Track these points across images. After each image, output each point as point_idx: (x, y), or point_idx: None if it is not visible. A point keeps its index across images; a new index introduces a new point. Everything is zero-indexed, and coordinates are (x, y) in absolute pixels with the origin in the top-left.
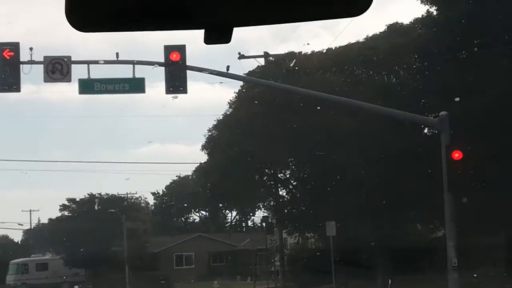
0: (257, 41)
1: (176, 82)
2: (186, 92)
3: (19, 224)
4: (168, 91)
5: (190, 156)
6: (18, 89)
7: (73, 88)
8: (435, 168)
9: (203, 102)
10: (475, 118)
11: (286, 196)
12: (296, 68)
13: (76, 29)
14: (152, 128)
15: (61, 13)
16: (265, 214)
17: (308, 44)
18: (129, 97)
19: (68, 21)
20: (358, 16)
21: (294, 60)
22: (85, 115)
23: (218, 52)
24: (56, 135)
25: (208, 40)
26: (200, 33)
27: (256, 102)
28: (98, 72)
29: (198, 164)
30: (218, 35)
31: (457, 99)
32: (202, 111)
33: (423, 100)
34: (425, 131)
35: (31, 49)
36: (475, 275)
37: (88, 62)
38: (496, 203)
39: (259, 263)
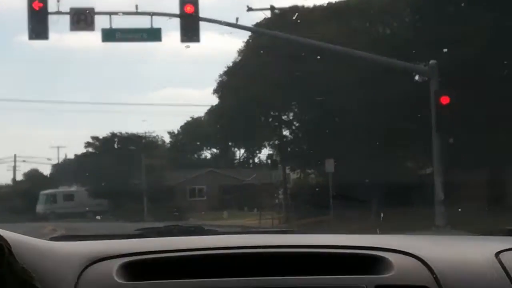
0: None
1: (189, 31)
2: (199, 41)
3: (48, 159)
4: (183, 40)
5: (202, 99)
6: (46, 37)
7: (95, 37)
8: (425, 112)
9: (213, 50)
10: (462, 67)
11: (289, 136)
12: (300, 21)
13: None
14: (167, 74)
15: None
16: (270, 152)
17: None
18: (144, 46)
19: None
20: None
21: (297, 14)
22: (106, 62)
23: (227, 5)
24: (80, 79)
25: None
26: None
27: (262, 51)
28: (119, 23)
29: (209, 107)
30: None
31: (446, 49)
32: (212, 59)
33: (414, 50)
34: (416, 78)
35: (58, 0)
36: (459, 209)
37: (110, 13)
38: (480, 144)
39: (264, 196)
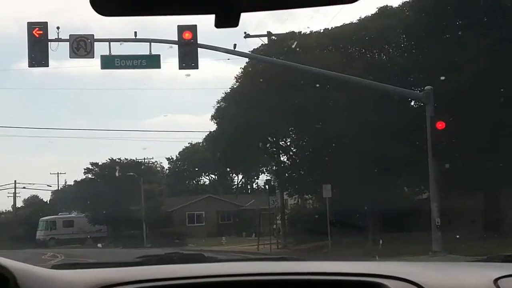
0: (258, 23)
1: (188, 58)
2: (197, 68)
3: (48, 186)
4: (181, 67)
5: (199, 125)
6: (46, 64)
7: (94, 64)
8: (421, 138)
9: (211, 77)
10: (457, 93)
11: (287, 161)
12: (297, 47)
13: (99, 13)
14: (165, 101)
15: None
16: (268, 178)
17: (309, 27)
18: (143, 72)
19: (92, 6)
20: (353, 3)
21: (295, 41)
22: (105, 88)
23: (224, 31)
24: (79, 106)
25: (218, 24)
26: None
27: (260, 77)
28: (117, 50)
29: (208, 133)
30: (227, 19)
31: (442, 76)
32: (209, 85)
33: (410, 76)
34: (412, 104)
35: (58, 28)
36: (457, 236)
37: (109, 40)
38: (475, 169)
39: (262, 221)
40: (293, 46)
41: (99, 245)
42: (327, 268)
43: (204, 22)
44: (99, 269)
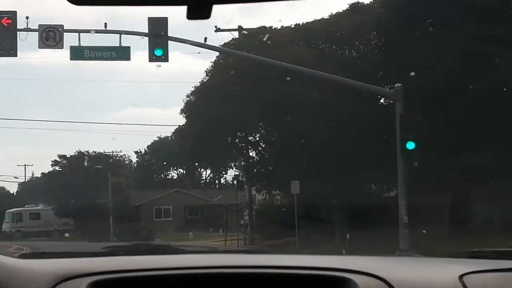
0: (229, 19)
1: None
2: (167, 61)
3: (15, 177)
4: (151, 59)
5: (168, 119)
6: (15, 54)
7: (63, 54)
8: (389, 135)
9: (180, 71)
10: (426, 90)
11: (256, 157)
12: (268, 41)
13: (71, 3)
14: (134, 93)
15: None
16: (236, 173)
17: (280, 20)
18: (111, 64)
19: None
20: None
21: (266, 35)
22: (73, 80)
23: (194, 25)
24: (47, 97)
25: (190, 15)
26: (181, 7)
27: (231, 71)
28: (87, 41)
29: (177, 127)
30: (199, 11)
31: (412, 73)
32: (178, 79)
33: (380, 73)
34: (382, 101)
35: (27, 17)
36: (424, 231)
37: (79, 31)
38: (443, 167)
39: (230, 217)
40: (265, 39)
41: (66, 234)
42: (293, 262)
43: (174, 16)
44: (66, 259)
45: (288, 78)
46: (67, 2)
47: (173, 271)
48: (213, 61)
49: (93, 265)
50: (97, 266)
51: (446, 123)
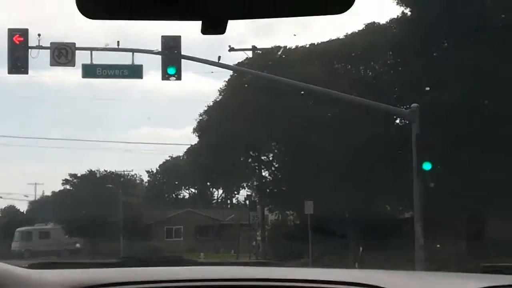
0: (240, 40)
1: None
2: (180, 79)
3: (25, 196)
4: (164, 78)
5: (180, 138)
6: (26, 72)
7: (74, 73)
8: (405, 155)
9: (192, 91)
10: (443, 110)
11: (269, 177)
12: (282, 59)
13: (86, 17)
14: (146, 113)
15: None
16: (249, 193)
17: (295, 35)
18: (124, 83)
19: (78, 9)
20: (342, 14)
21: (280, 53)
22: (84, 98)
23: (208, 44)
24: (58, 115)
25: (205, 31)
26: (194, 25)
27: (244, 92)
28: (99, 59)
29: (189, 146)
30: (214, 26)
31: (427, 89)
32: (191, 98)
33: (396, 93)
34: (397, 121)
35: (39, 35)
36: (437, 245)
37: (91, 49)
38: (460, 188)
39: (242, 237)
40: (279, 57)
41: (77, 245)
42: (306, 275)
43: (188, 35)
44: (77, 270)
45: (299, 96)
46: (80, 20)
47: (185, 283)
48: (226, 80)
49: (104, 276)
50: (108, 277)
51: (462, 143)
